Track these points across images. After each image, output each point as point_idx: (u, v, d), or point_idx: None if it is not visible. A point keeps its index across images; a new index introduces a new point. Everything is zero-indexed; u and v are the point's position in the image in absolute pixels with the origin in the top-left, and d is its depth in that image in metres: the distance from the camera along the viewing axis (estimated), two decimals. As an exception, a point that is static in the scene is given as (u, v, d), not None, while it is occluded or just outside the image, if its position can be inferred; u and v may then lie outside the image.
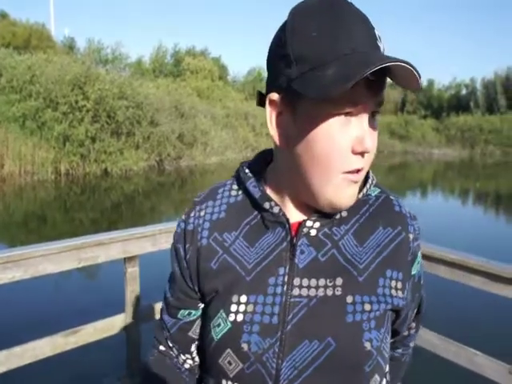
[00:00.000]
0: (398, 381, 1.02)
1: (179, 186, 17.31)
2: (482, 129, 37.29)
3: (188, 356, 0.88)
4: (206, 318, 0.82)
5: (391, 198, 0.84)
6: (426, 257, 2.53)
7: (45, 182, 15.30)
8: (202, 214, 0.83)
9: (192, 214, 0.84)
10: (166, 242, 3.25)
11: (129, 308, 3.14)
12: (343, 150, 0.69)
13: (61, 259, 2.75)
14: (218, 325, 0.77)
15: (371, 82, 0.65)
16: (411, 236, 0.81)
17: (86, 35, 31.88)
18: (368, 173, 0.82)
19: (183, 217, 0.86)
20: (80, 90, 17.42)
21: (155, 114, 20.21)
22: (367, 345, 0.72)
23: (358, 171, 0.72)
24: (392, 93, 47.90)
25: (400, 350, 0.99)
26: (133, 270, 3.15)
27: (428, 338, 2.57)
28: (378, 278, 0.76)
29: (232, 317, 0.75)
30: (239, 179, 0.85)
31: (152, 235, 3.17)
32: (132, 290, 3.15)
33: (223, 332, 0.76)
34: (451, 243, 2.91)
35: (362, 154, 0.70)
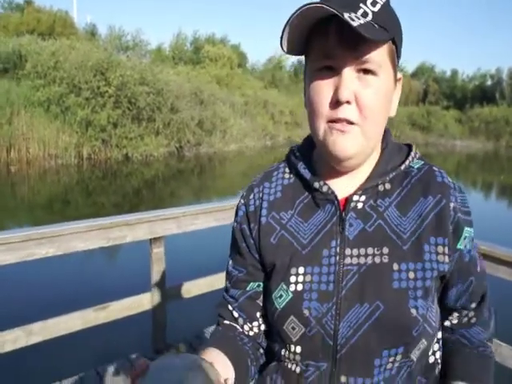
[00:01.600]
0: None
1: (198, 172, 17.44)
2: (507, 121, 36.37)
3: (255, 323, 0.92)
4: (266, 290, 0.89)
5: (434, 169, 0.86)
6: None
7: (68, 166, 15.62)
8: (261, 195, 0.91)
9: (251, 197, 0.92)
10: (190, 225, 3.32)
11: (154, 288, 3.23)
12: (324, 100, 0.76)
13: (90, 237, 2.84)
14: (280, 296, 0.84)
15: (341, 36, 0.72)
16: (452, 205, 0.82)
17: (107, 22, 32.06)
18: (410, 147, 0.89)
19: (242, 200, 0.93)
20: (102, 75, 17.63)
21: (175, 100, 20.33)
22: (413, 311, 0.77)
23: (345, 122, 0.75)
24: (414, 83, 47.22)
25: (479, 346, 0.92)
26: (158, 251, 3.23)
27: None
28: (422, 246, 0.79)
29: (292, 287, 0.83)
30: (290, 162, 0.92)
31: (177, 217, 3.24)
32: (157, 270, 3.23)
33: (286, 301, 0.83)
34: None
35: (340, 103, 0.74)
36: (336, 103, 0.74)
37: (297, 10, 0.70)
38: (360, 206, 0.83)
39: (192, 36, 40.90)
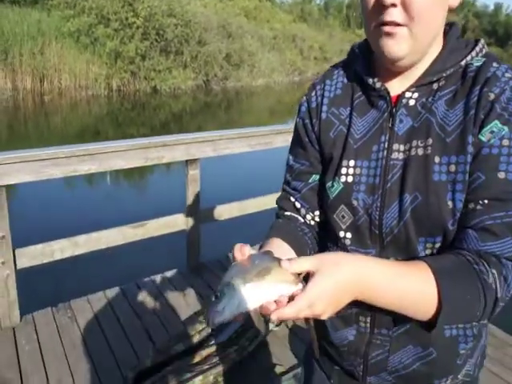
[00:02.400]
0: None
1: (225, 107, 17.31)
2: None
3: (316, 212, 0.97)
4: (321, 181, 0.95)
5: (494, 64, 0.79)
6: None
7: (98, 97, 15.72)
8: (321, 92, 0.95)
9: (313, 94, 0.96)
10: (225, 148, 3.38)
11: (189, 208, 3.35)
12: (371, 4, 0.76)
13: (130, 156, 2.94)
14: (332, 186, 0.89)
15: None
16: (492, 95, 0.75)
17: None
18: (477, 42, 0.83)
19: (305, 97, 0.98)
20: (130, 6, 17.27)
21: (203, 33, 19.86)
22: (449, 203, 0.77)
23: (392, 24, 0.75)
24: (452, 18, 44.57)
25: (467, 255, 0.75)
26: (194, 173, 3.31)
27: None
28: (466, 138, 0.76)
29: (343, 178, 0.87)
30: (350, 60, 0.94)
31: (212, 140, 3.30)
32: (192, 191, 3.33)
33: (337, 191, 0.88)
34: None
35: (386, 7, 0.74)
36: (382, 7, 0.74)
37: None
38: (412, 103, 0.82)
39: (219, -35, 39.15)
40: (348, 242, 0.89)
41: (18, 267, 2.62)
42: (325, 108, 0.93)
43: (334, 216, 0.89)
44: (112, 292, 3.07)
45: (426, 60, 0.82)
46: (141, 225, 3.15)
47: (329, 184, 0.90)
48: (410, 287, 0.72)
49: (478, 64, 0.80)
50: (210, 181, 3.82)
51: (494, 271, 0.73)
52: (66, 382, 2.26)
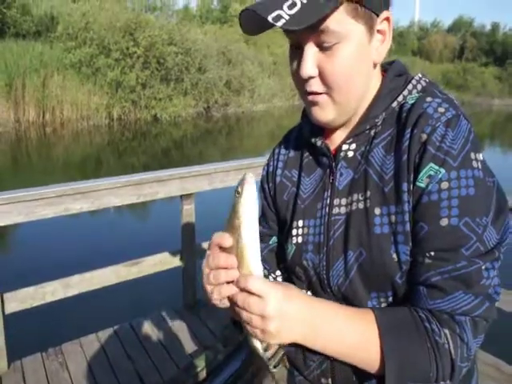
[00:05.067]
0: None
1: (226, 133, 17.40)
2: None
3: (278, 273, 1.01)
4: (282, 244, 0.96)
5: (427, 99, 0.75)
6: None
7: (99, 127, 15.86)
8: (277, 156, 0.98)
9: (272, 158, 0.99)
10: (220, 182, 3.33)
11: (185, 244, 3.28)
12: (296, 75, 0.78)
13: (123, 193, 2.89)
14: (287, 248, 0.90)
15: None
16: (424, 136, 0.71)
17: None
18: (411, 80, 0.80)
19: (266, 160, 1.02)
20: (131, 36, 17.59)
21: (203, 60, 20.16)
22: (394, 256, 0.74)
23: (314, 94, 0.77)
24: (449, 39, 45.15)
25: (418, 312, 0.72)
26: (189, 208, 3.25)
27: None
28: (401, 185, 0.73)
29: (294, 240, 0.88)
30: (302, 121, 0.95)
31: (208, 174, 3.25)
32: (188, 226, 3.27)
33: (291, 253, 0.89)
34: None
35: (307, 78, 0.75)
36: (303, 78, 0.76)
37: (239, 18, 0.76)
38: (351, 154, 0.82)
39: (219, -7, 40.02)
40: None
41: (6, 312, 2.54)
42: (279, 171, 0.96)
43: (295, 276, 0.91)
44: (105, 334, 2.98)
45: (362, 106, 0.81)
46: (135, 263, 3.08)
47: (286, 246, 0.91)
48: (353, 334, 0.70)
49: (413, 101, 0.77)
50: (206, 215, 3.76)
51: (446, 331, 0.68)
52: (53, 435, 2.15)
